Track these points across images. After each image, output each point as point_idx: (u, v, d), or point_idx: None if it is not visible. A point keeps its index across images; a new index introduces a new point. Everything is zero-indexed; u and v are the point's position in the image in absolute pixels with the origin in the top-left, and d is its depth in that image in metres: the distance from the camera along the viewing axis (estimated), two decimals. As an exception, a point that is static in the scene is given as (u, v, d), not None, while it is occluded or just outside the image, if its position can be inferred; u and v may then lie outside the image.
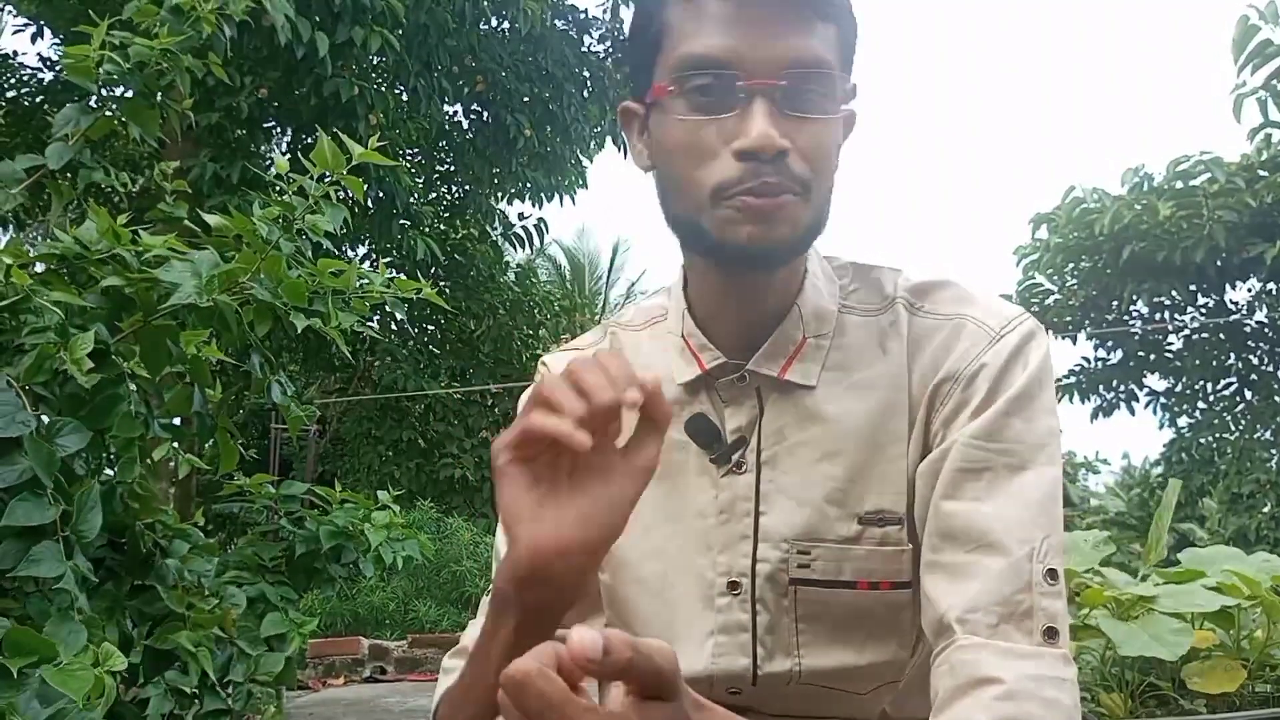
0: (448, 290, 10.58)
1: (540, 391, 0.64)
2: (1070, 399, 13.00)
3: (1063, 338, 12.62)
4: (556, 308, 12.57)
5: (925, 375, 0.86)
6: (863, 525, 0.86)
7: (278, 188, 2.24)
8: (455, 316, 10.45)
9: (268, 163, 9.11)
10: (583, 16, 10.09)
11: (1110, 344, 12.89)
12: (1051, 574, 0.78)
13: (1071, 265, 12.35)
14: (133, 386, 2.19)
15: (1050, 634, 0.77)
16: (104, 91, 2.86)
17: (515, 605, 0.66)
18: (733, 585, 0.88)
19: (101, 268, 2.15)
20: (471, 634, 0.93)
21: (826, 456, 0.87)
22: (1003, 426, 0.82)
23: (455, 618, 7.37)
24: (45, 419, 1.94)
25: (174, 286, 1.85)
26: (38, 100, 9.38)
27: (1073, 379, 13.07)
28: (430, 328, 11.36)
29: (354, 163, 2.03)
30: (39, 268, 2.27)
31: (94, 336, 1.83)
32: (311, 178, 2.05)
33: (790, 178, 0.79)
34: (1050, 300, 12.60)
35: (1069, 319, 12.51)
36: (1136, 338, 12.65)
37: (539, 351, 11.69)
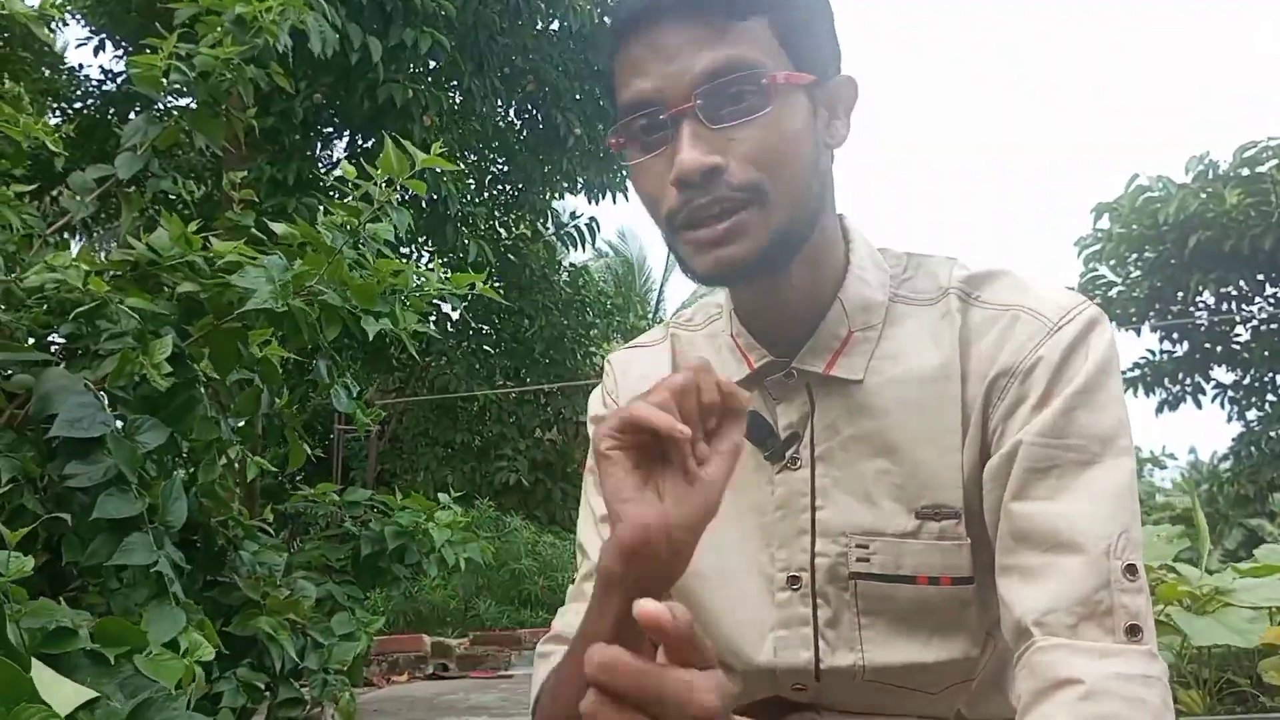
0: (502, 291, 10.67)
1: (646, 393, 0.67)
2: (1135, 392, 12.74)
3: (1127, 330, 12.37)
4: (609, 305, 12.60)
5: (981, 369, 0.84)
6: (920, 520, 0.85)
7: (337, 191, 2.26)
8: (509, 316, 10.52)
9: (323, 166, 9.25)
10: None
11: (1176, 336, 12.61)
12: (1131, 569, 0.75)
13: (1135, 255, 12.11)
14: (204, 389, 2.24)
15: (1133, 631, 0.74)
16: (169, 101, 2.92)
17: (620, 582, 0.67)
18: (792, 580, 0.88)
19: (174, 273, 2.20)
20: (564, 620, 0.95)
21: (881, 450, 0.86)
22: (1068, 421, 0.79)
23: (515, 616, 7.43)
24: (123, 419, 1.99)
25: (249, 292, 1.88)
26: (102, 111, 9.63)
27: (1138, 372, 12.82)
28: (485, 328, 11.45)
29: (418, 168, 2.05)
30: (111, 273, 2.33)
31: (171, 342, 1.87)
32: (376, 183, 2.07)
33: (735, 190, 0.78)
34: (1113, 292, 12.36)
35: (1133, 310, 12.25)
36: (1203, 329, 12.36)
37: (592, 350, 11.73)
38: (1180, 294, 12.04)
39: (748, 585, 0.90)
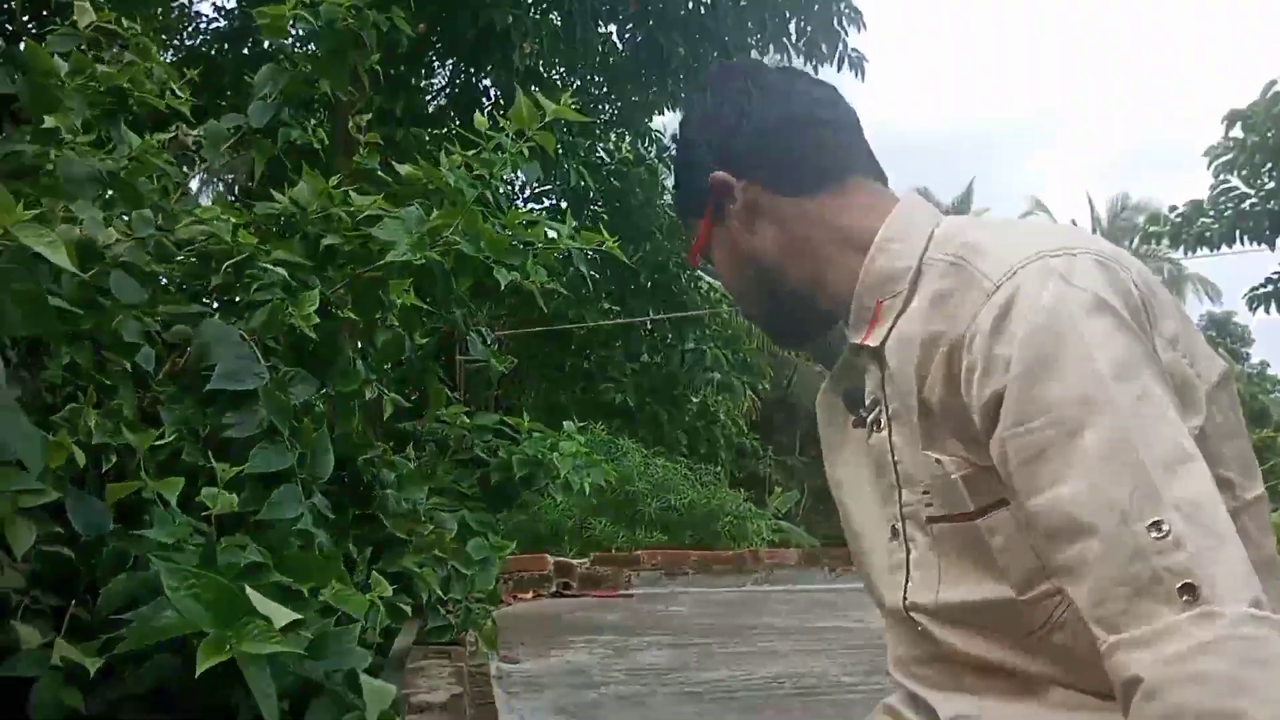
0: (605, 217, 10.68)
1: None
2: (1267, 309, 12.15)
3: (1260, 244, 11.74)
4: (712, 228, 12.50)
5: (936, 335, 0.86)
6: (939, 463, 0.89)
7: (447, 127, 2.32)
8: (614, 243, 10.55)
9: (428, 97, 9.33)
10: (736, -73, 9.76)
11: (1313, 249, 11.91)
12: (1156, 526, 0.72)
13: (1270, 165, 11.42)
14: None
15: (1187, 590, 0.70)
16: (295, 48, 2.99)
17: None
18: (895, 531, 0.96)
19: (313, 225, 2.29)
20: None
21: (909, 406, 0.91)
22: (1032, 400, 0.78)
23: (630, 536, 7.65)
24: (275, 370, 2.10)
25: (389, 245, 1.96)
26: (215, 48, 9.83)
27: (1270, 287, 12.20)
28: (589, 252, 11.52)
29: (547, 119, 2.09)
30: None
31: (318, 294, 1.96)
32: (507, 134, 2.12)
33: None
34: (1245, 204, 11.71)
35: (1266, 224, 11.60)
36: (1342, 241, 11.65)
37: (697, 275, 11.70)
38: (1319, 205, 11.35)
39: (878, 538, 0.99)
